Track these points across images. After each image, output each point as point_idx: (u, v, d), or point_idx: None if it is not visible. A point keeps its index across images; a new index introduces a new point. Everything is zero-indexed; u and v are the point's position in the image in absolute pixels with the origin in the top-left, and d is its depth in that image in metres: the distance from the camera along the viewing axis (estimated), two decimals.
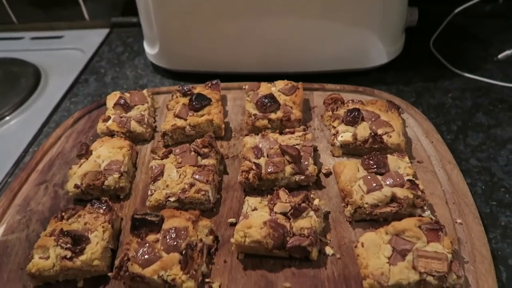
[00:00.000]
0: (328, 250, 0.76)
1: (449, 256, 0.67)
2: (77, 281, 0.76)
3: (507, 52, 1.18)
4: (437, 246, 0.68)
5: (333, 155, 0.93)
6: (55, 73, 1.40)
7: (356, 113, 0.92)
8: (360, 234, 0.77)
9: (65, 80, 1.35)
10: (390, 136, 0.88)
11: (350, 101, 0.99)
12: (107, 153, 0.93)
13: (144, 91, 1.09)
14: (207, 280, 0.74)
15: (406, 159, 0.84)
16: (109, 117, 1.02)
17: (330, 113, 0.99)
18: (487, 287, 0.68)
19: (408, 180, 0.79)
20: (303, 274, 0.73)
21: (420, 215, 0.77)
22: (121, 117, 1.01)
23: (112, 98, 1.07)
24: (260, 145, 0.90)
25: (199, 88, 1.07)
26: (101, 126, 1.01)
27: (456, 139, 1.00)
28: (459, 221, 0.78)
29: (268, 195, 0.81)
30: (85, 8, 1.62)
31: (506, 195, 0.86)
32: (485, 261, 0.71)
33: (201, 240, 0.75)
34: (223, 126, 1.00)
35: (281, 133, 0.94)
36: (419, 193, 0.77)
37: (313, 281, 0.72)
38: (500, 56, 1.20)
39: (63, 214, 0.81)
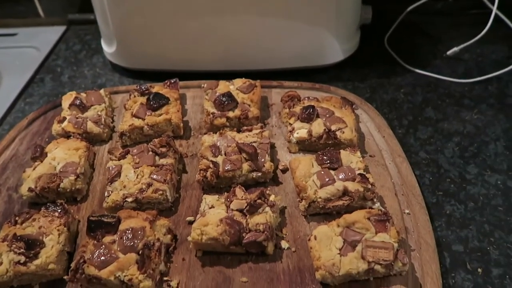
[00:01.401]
0: (284, 244, 0.78)
1: (395, 245, 0.71)
2: (32, 286, 0.75)
3: (455, 49, 1.24)
4: (384, 236, 0.72)
5: (290, 152, 0.96)
6: (9, 72, 1.35)
7: (311, 110, 0.95)
8: (315, 228, 0.79)
9: (19, 79, 1.31)
10: (343, 132, 0.92)
11: (306, 98, 1.02)
12: (62, 155, 0.91)
13: (101, 91, 1.08)
14: (165, 278, 0.74)
15: (358, 153, 0.88)
16: (64, 118, 1.00)
17: (287, 110, 1.01)
18: (431, 273, 0.73)
19: (359, 174, 0.82)
20: (260, 268, 0.75)
21: (370, 207, 0.81)
22: (77, 118, 1.00)
23: (67, 99, 1.05)
24: (218, 144, 0.92)
25: (157, 87, 1.06)
26: (56, 128, 0.99)
27: (407, 133, 1.05)
28: (407, 211, 0.82)
29: (226, 193, 0.83)
30: (40, 5, 1.57)
31: (451, 185, 0.92)
32: (430, 249, 0.76)
33: (158, 239, 0.76)
34: (181, 125, 1.00)
35: (239, 131, 0.96)
36: (369, 186, 0.80)
37: (269, 275, 0.74)
38: (448, 52, 1.26)
39: (17, 218, 0.79)
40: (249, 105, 1.01)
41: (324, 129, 0.92)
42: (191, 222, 0.83)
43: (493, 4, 1.19)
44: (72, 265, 0.72)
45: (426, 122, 1.07)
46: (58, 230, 0.77)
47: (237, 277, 0.74)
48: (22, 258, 0.72)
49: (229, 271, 0.75)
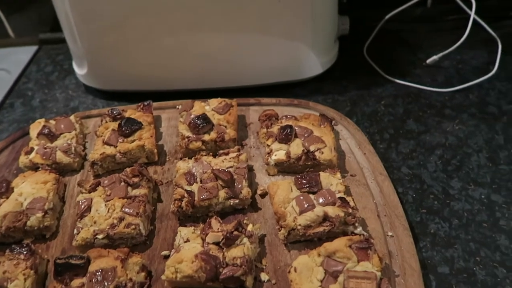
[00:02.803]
0: (264, 276, 0.75)
1: (378, 274, 0.68)
2: None
3: (434, 57, 1.23)
4: (366, 265, 0.69)
5: (269, 174, 0.93)
6: None
7: (289, 130, 0.92)
8: (295, 256, 0.76)
9: None
10: (322, 152, 0.89)
11: (284, 117, 0.99)
12: (30, 189, 0.87)
13: (71, 117, 1.04)
14: None
15: (338, 175, 0.85)
16: (32, 149, 0.96)
17: (265, 130, 0.98)
18: None
19: (340, 197, 0.80)
20: None
21: (352, 232, 0.78)
22: (45, 148, 0.95)
23: (35, 127, 1.01)
24: (193, 170, 0.88)
25: (129, 111, 1.02)
26: (23, 160, 0.95)
27: (388, 147, 1.02)
28: (390, 233, 0.79)
29: (202, 224, 0.79)
30: (9, 24, 1.52)
31: (434, 202, 0.89)
32: (414, 274, 0.73)
33: (131, 279, 0.72)
34: (155, 151, 0.96)
35: (215, 155, 0.92)
36: (350, 210, 0.77)
37: None
38: (428, 61, 1.24)
39: None
40: (226, 127, 0.98)
41: (303, 150, 0.89)
42: (166, 257, 0.79)
43: (470, 9, 1.18)
44: None
45: (407, 135, 1.05)
46: (24, 274, 0.73)
47: None
48: None
49: None
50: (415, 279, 0.72)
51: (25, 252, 0.76)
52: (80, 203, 0.83)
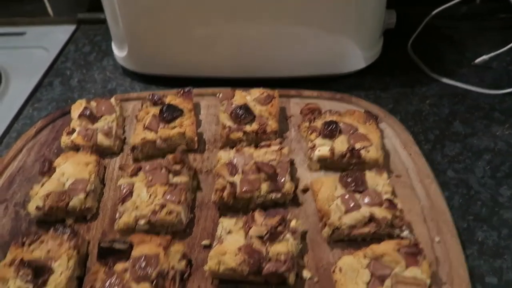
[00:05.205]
0: (306, 274, 0.73)
1: (428, 281, 0.66)
2: None
3: (484, 57, 1.17)
4: (415, 271, 0.67)
5: (310, 169, 0.91)
6: (17, 74, 1.31)
7: (334, 126, 0.89)
8: (338, 255, 0.75)
9: (27, 83, 1.26)
10: (368, 151, 0.86)
11: (328, 112, 0.96)
12: (71, 170, 0.87)
13: (112, 100, 1.03)
14: None
15: (385, 175, 0.82)
16: (73, 130, 0.96)
17: (307, 124, 0.95)
18: None
19: (387, 199, 0.77)
20: None
21: (398, 235, 0.76)
22: (86, 130, 0.95)
23: (77, 108, 1.01)
24: (235, 161, 0.87)
25: (170, 97, 1.01)
26: (65, 140, 0.95)
27: (433, 149, 0.99)
28: (437, 239, 0.77)
29: (244, 216, 0.78)
30: (48, 3, 1.52)
31: (482, 208, 0.86)
32: (463, 283, 0.71)
33: (173, 267, 0.72)
34: (196, 139, 0.95)
35: (256, 146, 0.91)
36: (398, 213, 0.75)
37: None
38: (476, 61, 1.19)
39: (24, 239, 0.76)
40: (267, 118, 0.96)
41: (348, 147, 0.87)
42: (206, 246, 0.78)
43: None
44: None
45: (453, 137, 1.01)
46: (67, 254, 0.73)
47: None
48: (30, 286, 0.68)
49: None
50: None
51: (68, 233, 0.76)
52: (122, 187, 0.83)
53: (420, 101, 1.12)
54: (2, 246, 0.81)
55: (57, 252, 0.73)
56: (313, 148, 0.89)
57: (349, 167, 0.87)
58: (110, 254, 0.71)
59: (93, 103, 1.02)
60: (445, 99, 1.12)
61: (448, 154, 0.98)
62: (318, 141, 0.90)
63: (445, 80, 1.17)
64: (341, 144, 0.88)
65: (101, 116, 0.99)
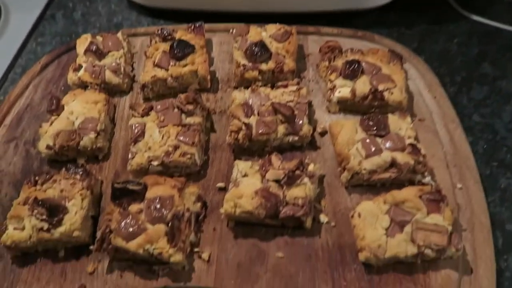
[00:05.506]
0: (323, 218, 0.72)
1: (449, 228, 0.64)
2: (57, 251, 0.72)
3: None
4: (437, 218, 0.65)
5: (329, 112, 0.86)
6: (17, 7, 1.23)
7: (356, 66, 0.83)
8: (356, 201, 0.73)
9: (28, 16, 1.19)
10: (392, 93, 0.81)
11: (349, 50, 0.90)
12: (80, 108, 0.84)
13: (119, 34, 0.97)
14: (196, 249, 0.70)
15: (408, 119, 0.78)
16: (80, 66, 0.91)
17: (327, 63, 0.90)
18: (484, 257, 0.67)
19: (410, 144, 0.74)
20: (296, 243, 0.70)
21: (420, 181, 0.74)
22: (93, 66, 0.90)
23: (82, 43, 0.95)
24: (250, 102, 0.82)
25: (180, 32, 0.95)
26: (72, 77, 0.91)
27: (459, 92, 0.94)
28: (459, 186, 0.75)
29: (260, 159, 0.76)
30: None
31: (507, 155, 0.83)
32: (484, 230, 0.69)
33: (188, 209, 0.71)
34: (208, 77, 0.90)
35: (272, 87, 0.86)
36: (421, 158, 0.72)
37: (306, 251, 0.69)
38: None
39: (37, 178, 0.75)
40: (284, 57, 0.90)
41: (370, 89, 0.82)
42: (221, 189, 0.77)
43: None
44: (98, 234, 0.68)
45: (482, 80, 0.95)
46: (81, 194, 0.72)
47: (272, 251, 0.70)
48: (45, 225, 0.68)
49: (263, 244, 0.70)
50: (484, 234, 0.69)
51: (80, 173, 0.74)
52: (133, 127, 0.80)
53: (447, 39, 1.04)
54: (15, 184, 0.80)
55: (70, 192, 0.72)
56: (332, 89, 0.84)
57: (370, 110, 0.83)
58: (124, 195, 0.69)
59: (99, 38, 0.96)
60: (475, 38, 1.04)
61: (474, 97, 0.92)
62: (338, 81, 0.85)
63: (476, 18, 1.08)
64: (363, 85, 0.83)
65: (108, 52, 0.94)
